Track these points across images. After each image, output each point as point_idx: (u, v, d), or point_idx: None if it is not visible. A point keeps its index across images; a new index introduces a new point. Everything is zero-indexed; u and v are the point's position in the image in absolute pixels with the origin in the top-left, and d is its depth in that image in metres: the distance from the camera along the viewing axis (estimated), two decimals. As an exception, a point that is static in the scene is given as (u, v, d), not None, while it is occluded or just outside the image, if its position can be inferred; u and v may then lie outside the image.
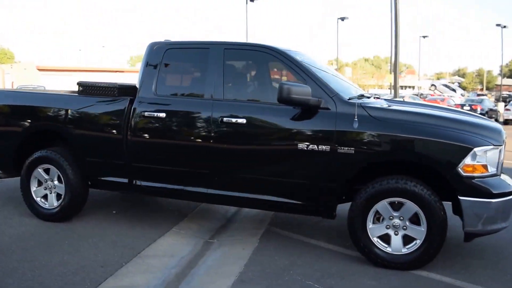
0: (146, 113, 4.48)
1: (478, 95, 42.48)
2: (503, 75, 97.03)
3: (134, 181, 4.64)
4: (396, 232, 3.85)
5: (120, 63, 70.10)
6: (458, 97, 39.96)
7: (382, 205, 3.85)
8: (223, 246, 4.52)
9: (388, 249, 3.88)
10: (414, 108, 4.45)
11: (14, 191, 6.08)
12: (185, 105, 4.49)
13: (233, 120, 4.20)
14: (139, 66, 5.05)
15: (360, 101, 4.10)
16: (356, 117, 3.87)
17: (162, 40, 4.79)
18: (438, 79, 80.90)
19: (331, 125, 3.94)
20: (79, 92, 4.96)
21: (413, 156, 3.83)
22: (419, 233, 3.79)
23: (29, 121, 5.02)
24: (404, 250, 3.84)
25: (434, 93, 48.51)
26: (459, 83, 73.55)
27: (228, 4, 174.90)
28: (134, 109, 4.53)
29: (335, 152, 3.90)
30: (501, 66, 52.83)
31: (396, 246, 3.86)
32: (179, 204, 5.79)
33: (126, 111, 4.56)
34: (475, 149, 3.65)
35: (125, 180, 4.68)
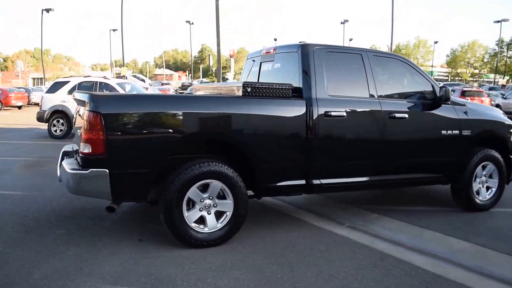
0: (332, 112, 4.27)
1: (162, 84, 46.23)
2: (157, 66, 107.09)
3: (311, 181, 4.30)
4: (482, 186, 5.38)
5: None
6: (148, 85, 41.60)
7: (484, 167, 5.28)
8: (372, 226, 4.73)
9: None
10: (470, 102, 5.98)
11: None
12: (359, 104, 4.51)
13: (398, 115, 4.65)
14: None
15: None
16: (467, 109, 5.13)
17: (299, 42, 4.55)
18: (102, 70, 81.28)
19: (455, 115, 5.02)
20: (244, 93, 4.05)
21: (493, 132, 5.38)
22: (494, 183, 5.43)
23: (186, 130, 3.78)
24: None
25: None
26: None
27: None
28: (314, 109, 4.21)
29: (461, 134, 5.03)
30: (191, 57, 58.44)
31: (483, 195, 5.38)
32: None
33: (305, 111, 4.19)
34: None
35: (302, 182, 4.27)
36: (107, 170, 3.50)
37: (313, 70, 4.31)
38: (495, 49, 67.37)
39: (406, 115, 4.70)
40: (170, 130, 3.74)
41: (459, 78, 72.59)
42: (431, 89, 4.99)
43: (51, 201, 5.31)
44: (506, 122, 5.52)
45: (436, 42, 71.15)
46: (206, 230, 3.89)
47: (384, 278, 3.42)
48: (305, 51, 4.38)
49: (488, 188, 5.42)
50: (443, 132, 4.94)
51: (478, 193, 5.31)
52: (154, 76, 79.47)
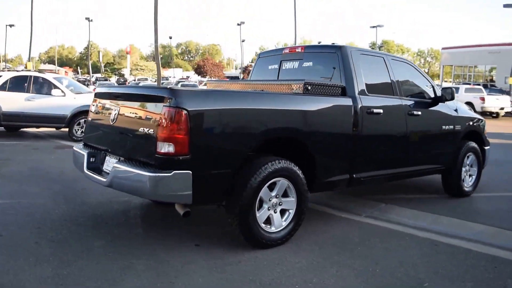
0: (373, 109, 4.39)
1: None
2: (43, 62, 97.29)
3: (353, 175, 4.36)
4: (466, 174, 5.94)
5: None
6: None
7: (468, 158, 5.83)
8: (390, 215, 4.91)
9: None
10: None
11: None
12: (389, 101, 4.73)
13: (416, 112, 4.96)
14: None
15: None
16: (456, 107, 5.65)
17: (332, 43, 4.65)
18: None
19: (451, 112, 5.51)
20: (305, 91, 4.00)
21: (472, 126, 5.97)
22: (474, 172, 6.04)
23: (265, 127, 3.65)
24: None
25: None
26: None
27: None
28: (358, 106, 4.29)
29: (455, 129, 5.53)
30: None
31: (467, 182, 5.96)
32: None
33: (352, 108, 4.26)
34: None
35: (347, 176, 4.31)
36: (191, 172, 3.17)
37: (353, 69, 4.40)
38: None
39: (420, 112, 5.03)
40: (252, 128, 3.55)
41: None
42: (432, 89, 5.41)
43: (52, 209, 4.62)
44: (476, 116, 6.20)
45: (319, 43, 76.00)
46: (273, 229, 3.72)
47: (455, 262, 3.60)
48: (344, 52, 4.45)
49: (470, 176, 6.03)
50: (444, 127, 5.39)
51: (463, 180, 5.87)
52: (40, 71, 72.88)
